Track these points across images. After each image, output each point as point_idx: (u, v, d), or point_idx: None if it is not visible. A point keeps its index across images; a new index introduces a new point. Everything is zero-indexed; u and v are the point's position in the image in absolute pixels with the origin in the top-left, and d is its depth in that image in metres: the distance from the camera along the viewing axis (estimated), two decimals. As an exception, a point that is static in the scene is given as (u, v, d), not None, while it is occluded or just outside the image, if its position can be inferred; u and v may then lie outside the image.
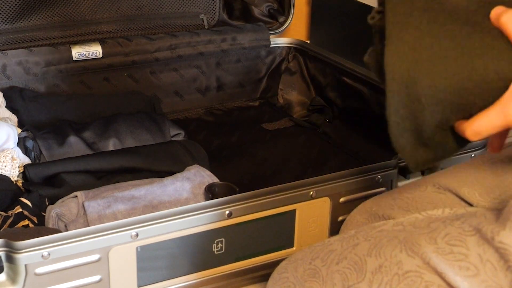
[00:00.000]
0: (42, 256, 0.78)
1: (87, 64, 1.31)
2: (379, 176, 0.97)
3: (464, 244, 0.67)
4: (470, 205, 0.79)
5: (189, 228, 0.85)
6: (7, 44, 1.28)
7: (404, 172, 1.00)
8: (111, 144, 1.14)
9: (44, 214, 0.96)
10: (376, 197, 0.87)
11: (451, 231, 0.69)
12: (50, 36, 1.32)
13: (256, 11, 1.48)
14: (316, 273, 0.78)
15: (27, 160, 1.08)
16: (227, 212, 0.87)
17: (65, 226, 0.93)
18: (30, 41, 1.30)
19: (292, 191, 0.91)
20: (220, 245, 0.88)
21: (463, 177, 0.81)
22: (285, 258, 0.87)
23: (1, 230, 0.90)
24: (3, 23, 1.28)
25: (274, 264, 0.89)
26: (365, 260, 0.74)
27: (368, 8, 1.49)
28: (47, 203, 0.98)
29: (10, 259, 0.77)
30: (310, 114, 1.39)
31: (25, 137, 1.11)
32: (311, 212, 0.92)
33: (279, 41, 1.48)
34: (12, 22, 1.28)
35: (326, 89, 1.41)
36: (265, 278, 0.92)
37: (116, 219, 0.92)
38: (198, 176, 1.00)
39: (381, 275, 0.72)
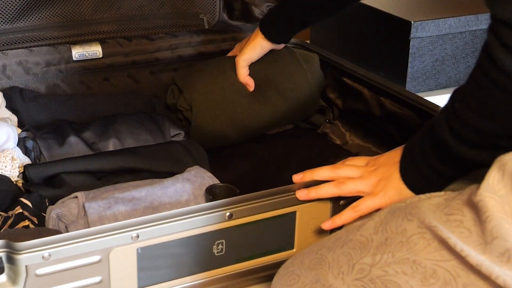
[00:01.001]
0: (42, 257, 0.78)
1: (87, 64, 1.31)
2: (380, 178, 0.97)
3: (460, 212, 0.71)
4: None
5: (189, 230, 0.85)
6: (7, 44, 1.28)
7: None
8: (111, 144, 1.14)
9: (44, 214, 0.96)
10: None
11: (451, 204, 0.73)
12: (50, 36, 1.31)
13: (256, 11, 1.48)
14: (322, 260, 0.79)
15: (27, 160, 1.08)
16: (228, 213, 0.87)
17: (66, 227, 0.93)
18: (30, 41, 1.30)
19: (292, 193, 0.91)
20: (220, 246, 0.88)
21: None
22: (285, 260, 0.88)
23: (1, 230, 0.90)
24: (3, 23, 1.28)
25: (274, 265, 0.89)
26: (372, 238, 0.77)
27: (368, 8, 1.49)
28: (47, 204, 0.98)
29: (10, 260, 0.77)
30: (310, 114, 1.39)
31: (25, 137, 1.11)
32: (312, 214, 0.93)
33: (279, 41, 1.48)
34: (12, 22, 1.28)
35: (326, 90, 1.41)
36: (265, 279, 0.92)
37: (116, 220, 0.92)
38: (198, 178, 1.00)
39: (385, 247, 0.75)
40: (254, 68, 1.28)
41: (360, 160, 0.92)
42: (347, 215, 0.88)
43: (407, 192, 0.84)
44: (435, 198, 0.77)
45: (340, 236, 0.81)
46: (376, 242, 0.76)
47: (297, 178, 0.93)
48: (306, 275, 0.80)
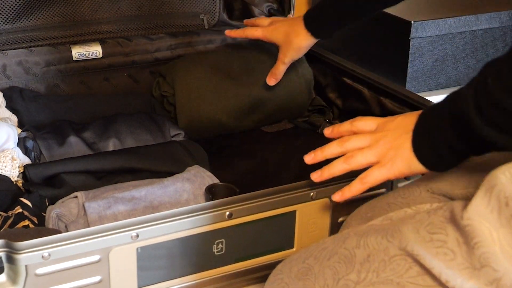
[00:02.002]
0: (42, 256, 0.78)
1: (87, 64, 1.31)
2: (379, 177, 0.97)
3: (444, 231, 0.68)
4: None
5: (189, 229, 0.85)
6: (7, 44, 1.28)
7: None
8: (111, 144, 1.14)
9: (44, 214, 0.96)
10: (371, 202, 0.87)
11: (434, 220, 0.70)
12: (50, 36, 1.31)
13: (256, 11, 1.48)
14: (309, 271, 0.78)
15: (27, 160, 1.08)
16: (228, 213, 0.87)
17: (65, 226, 0.93)
18: (30, 41, 1.29)
19: (292, 192, 0.91)
20: (220, 246, 0.88)
21: (455, 179, 0.81)
22: (285, 259, 0.88)
23: (1, 230, 0.90)
24: (3, 23, 1.28)
25: (274, 265, 0.89)
26: (354, 252, 0.75)
27: (368, 8, 1.49)
28: (47, 204, 0.98)
29: (10, 259, 0.77)
30: (310, 114, 1.39)
31: (25, 137, 1.11)
32: (311, 213, 0.93)
33: (279, 41, 1.48)
34: (12, 22, 1.28)
35: (326, 90, 1.41)
36: (265, 279, 0.92)
37: (116, 220, 0.92)
38: (198, 177, 1.00)
39: (369, 264, 0.73)
40: (240, 56, 1.33)
41: (369, 122, 0.86)
42: (355, 187, 0.84)
43: (417, 165, 0.78)
44: (418, 215, 0.74)
45: (327, 246, 0.80)
46: (360, 258, 0.74)
47: (308, 158, 0.89)
48: (294, 284, 0.80)
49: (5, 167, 1.02)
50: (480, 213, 0.65)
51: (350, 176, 0.95)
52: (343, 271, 0.75)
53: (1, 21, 1.27)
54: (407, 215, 0.77)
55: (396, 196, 0.85)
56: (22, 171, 1.05)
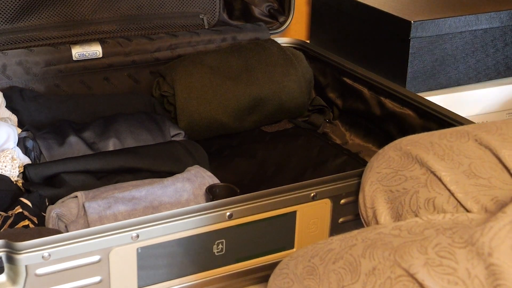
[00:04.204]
0: (42, 257, 0.78)
1: (87, 64, 1.31)
2: (380, 177, 0.97)
3: (453, 257, 0.66)
4: (508, 170, 0.76)
5: (189, 229, 0.85)
6: (7, 44, 1.28)
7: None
8: (111, 144, 1.14)
9: (44, 214, 0.96)
10: (413, 136, 0.86)
11: (441, 240, 0.68)
12: (50, 36, 1.31)
13: (256, 11, 1.48)
14: (314, 271, 0.78)
15: (27, 160, 1.08)
16: (228, 213, 0.87)
17: (65, 226, 0.93)
18: (30, 41, 1.29)
19: (293, 192, 0.91)
20: (220, 246, 0.88)
21: (508, 137, 0.78)
22: (292, 254, 0.87)
23: (1, 230, 0.90)
24: (3, 23, 1.28)
25: (275, 265, 0.89)
26: (360, 261, 0.74)
27: (368, 8, 1.49)
28: (47, 203, 0.98)
29: (10, 260, 0.77)
30: (310, 114, 1.39)
31: (25, 137, 1.11)
32: (312, 213, 0.93)
33: (279, 41, 1.48)
34: (12, 22, 1.28)
35: (326, 89, 1.41)
36: (265, 279, 0.92)
37: (116, 220, 0.92)
38: (198, 177, 1.00)
39: (375, 278, 0.72)
40: (240, 56, 1.33)
41: None
42: None
43: None
44: (426, 231, 0.71)
45: (333, 248, 0.79)
46: (365, 269, 0.74)
47: None
48: (299, 283, 0.79)
49: (5, 167, 1.02)
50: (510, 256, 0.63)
51: (350, 176, 0.95)
52: (348, 279, 0.74)
53: (1, 21, 1.27)
54: (416, 226, 0.76)
55: (442, 137, 0.83)
56: (22, 171, 1.05)
